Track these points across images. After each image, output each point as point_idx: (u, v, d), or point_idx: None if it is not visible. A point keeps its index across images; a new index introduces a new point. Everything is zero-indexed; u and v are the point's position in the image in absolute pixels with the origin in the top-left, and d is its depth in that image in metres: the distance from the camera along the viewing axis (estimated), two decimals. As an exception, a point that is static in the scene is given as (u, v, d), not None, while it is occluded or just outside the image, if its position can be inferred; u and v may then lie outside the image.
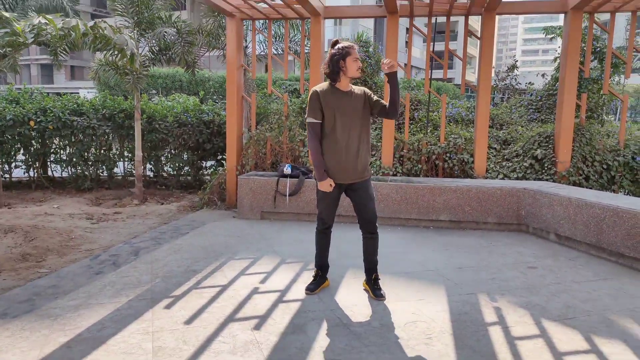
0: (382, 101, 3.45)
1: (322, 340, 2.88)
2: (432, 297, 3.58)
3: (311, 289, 3.64)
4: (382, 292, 3.57)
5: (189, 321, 3.13)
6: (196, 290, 3.67)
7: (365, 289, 3.70)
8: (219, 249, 4.77)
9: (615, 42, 9.00)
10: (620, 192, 6.42)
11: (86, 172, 8.33)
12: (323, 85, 3.42)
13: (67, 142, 8.15)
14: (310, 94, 3.40)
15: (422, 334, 2.98)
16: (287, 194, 5.92)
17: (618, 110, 16.00)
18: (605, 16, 6.63)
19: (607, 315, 3.30)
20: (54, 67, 45.11)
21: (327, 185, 3.38)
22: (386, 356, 2.71)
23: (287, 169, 6.03)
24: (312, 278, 3.74)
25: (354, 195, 3.50)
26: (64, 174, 8.62)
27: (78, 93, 19.64)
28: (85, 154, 8.29)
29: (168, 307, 3.35)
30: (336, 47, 3.32)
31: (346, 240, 5.04)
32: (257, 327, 3.05)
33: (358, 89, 3.48)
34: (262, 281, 3.89)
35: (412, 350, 2.78)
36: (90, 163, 8.37)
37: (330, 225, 3.64)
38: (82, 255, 4.66)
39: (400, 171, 6.76)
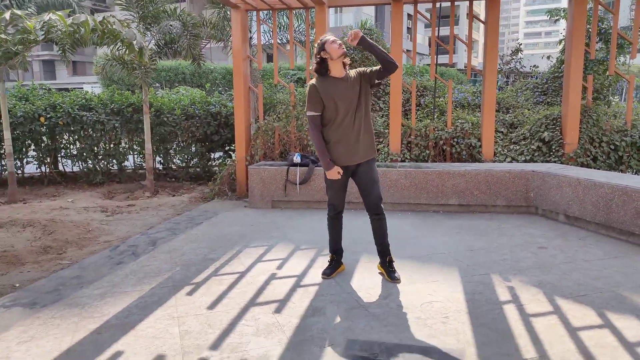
0: (375, 67, 3.50)
1: (342, 321, 2.98)
2: (446, 279, 3.67)
3: (327, 273, 3.73)
4: (396, 274, 3.66)
5: (211, 306, 3.23)
6: (215, 277, 3.77)
7: (380, 272, 3.79)
8: (233, 238, 4.87)
9: (620, 23, 8.96)
10: (629, 171, 6.46)
11: (97, 167, 8.43)
12: (316, 78, 3.49)
13: (77, 137, 8.24)
14: (308, 88, 3.48)
15: (439, 314, 3.07)
16: (298, 183, 6.00)
17: (624, 90, 15.93)
18: (611, -4, 6.61)
19: (619, 292, 3.37)
20: (55, 63, 45.17)
21: (335, 174, 3.47)
22: (405, 334, 2.80)
23: (297, 158, 6.10)
24: (328, 263, 3.84)
25: (358, 177, 3.59)
26: (75, 169, 8.73)
27: (82, 88, 19.73)
28: (95, 148, 8.39)
29: (190, 293, 3.45)
30: (318, 42, 3.44)
31: (357, 226, 5.12)
32: (278, 311, 3.15)
33: (353, 72, 3.53)
34: (279, 267, 3.99)
35: (429, 329, 2.87)
36: (100, 157, 8.46)
37: (341, 210, 3.73)
38: (101, 247, 4.77)
39: (409, 157, 6.82)
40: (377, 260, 3.83)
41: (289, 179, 6.10)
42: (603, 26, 8.21)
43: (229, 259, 4.23)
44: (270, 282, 3.65)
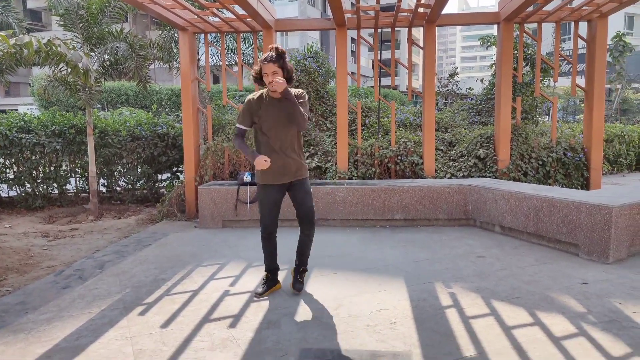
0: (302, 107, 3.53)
1: (295, 333, 3.08)
2: (393, 288, 3.86)
3: (260, 292, 3.73)
4: (300, 286, 3.79)
5: (165, 325, 3.24)
6: (168, 297, 3.77)
7: (291, 275, 3.92)
8: (185, 258, 4.86)
9: (543, 49, 9.78)
10: (556, 185, 7.02)
11: (36, 191, 8.10)
12: (258, 92, 3.59)
13: (14, 160, 7.90)
14: (245, 101, 3.59)
15: (387, 320, 3.25)
16: (249, 202, 6.07)
17: (550, 111, 17.23)
18: (534, 26, 7.26)
19: (547, 294, 3.69)
20: (-14, 84, 42.77)
21: (262, 162, 3.44)
22: (356, 341, 2.95)
23: (247, 177, 6.19)
24: (262, 281, 3.86)
25: (292, 192, 3.66)
26: (12, 193, 8.34)
27: (17, 110, 18.81)
28: (34, 171, 8.07)
29: (142, 313, 3.44)
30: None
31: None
32: (233, 325, 3.21)
33: (293, 92, 3.51)
34: (232, 284, 4.04)
35: (378, 335, 3.03)
36: (39, 181, 8.14)
37: (272, 231, 3.71)
38: (44, 272, 4.62)
39: (356, 175, 7.07)
40: (327, 273, 3.98)
41: (240, 198, 6.16)
42: (529, 52, 8.95)
43: (180, 278, 4.23)
44: (224, 299, 3.70)
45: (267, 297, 3.71)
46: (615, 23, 29.51)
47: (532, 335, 2.99)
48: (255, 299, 3.68)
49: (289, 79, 3.45)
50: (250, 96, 3.59)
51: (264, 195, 3.64)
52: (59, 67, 6.80)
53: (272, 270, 3.85)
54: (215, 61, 11.24)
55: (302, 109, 3.45)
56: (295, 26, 7.89)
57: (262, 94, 3.58)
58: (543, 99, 8.76)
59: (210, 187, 6.27)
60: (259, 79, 3.49)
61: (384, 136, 8.15)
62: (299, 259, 3.84)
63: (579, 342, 2.87)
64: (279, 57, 3.38)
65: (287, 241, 4.47)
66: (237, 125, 3.62)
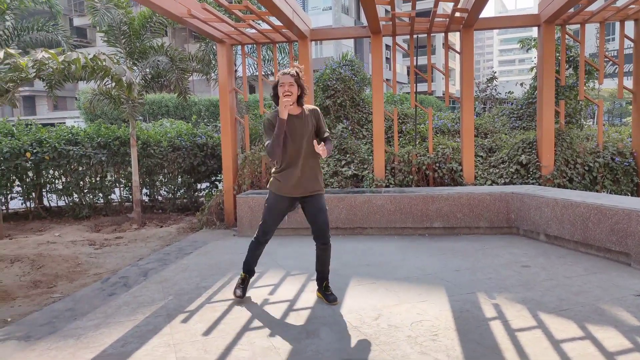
0: (324, 134, 3.66)
1: (335, 343, 3.06)
2: (434, 298, 3.79)
3: (241, 295, 3.87)
4: (332, 297, 3.77)
5: (206, 332, 3.29)
6: (209, 305, 3.82)
7: (319, 297, 3.87)
8: (224, 266, 4.93)
9: (587, 50, 9.44)
10: (603, 191, 6.73)
11: (83, 200, 8.43)
12: (273, 112, 3.63)
13: (62, 171, 8.26)
14: (263, 120, 3.68)
15: (428, 332, 3.18)
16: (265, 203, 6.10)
17: (595, 114, 16.57)
18: (576, 27, 7.03)
19: (598, 305, 3.53)
20: (36, 98, 44.94)
21: (283, 109, 3.45)
22: (397, 352, 2.90)
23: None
24: (240, 282, 3.95)
25: (306, 206, 3.72)
26: (60, 203, 8.71)
27: (64, 123, 19.70)
28: (81, 182, 8.40)
29: (184, 321, 3.50)
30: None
31: (346, 251, 5.24)
32: (273, 334, 3.22)
33: (310, 110, 3.66)
34: (271, 292, 4.07)
35: (420, 346, 2.97)
36: (86, 191, 8.47)
37: (269, 238, 3.83)
38: (91, 280, 4.78)
39: (393, 182, 7.00)
40: (366, 282, 3.94)
41: (277, 206, 6.19)
42: (571, 54, 8.66)
43: (221, 286, 4.28)
44: (264, 307, 3.73)
45: (306, 307, 3.71)
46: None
47: (583, 349, 2.85)
48: (238, 298, 3.86)
49: (301, 96, 3.58)
50: (267, 115, 3.68)
51: (274, 203, 3.72)
52: (104, 81, 7.07)
53: (251, 271, 3.96)
54: (251, 71, 11.43)
55: (331, 146, 3.65)
56: (330, 35, 7.93)
57: (278, 111, 3.60)
58: (587, 102, 8.44)
59: (248, 195, 6.35)
60: (275, 94, 3.57)
61: (422, 143, 8.04)
62: (320, 273, 3.84)
63: (634, 358, 2.73)
64: (297, 74, 3.54)
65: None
66: (265, 141, 3.65)
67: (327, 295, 3.79)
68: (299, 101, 3.58)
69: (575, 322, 3.24)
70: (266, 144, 3.59)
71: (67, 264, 5.36)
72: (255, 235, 3.87)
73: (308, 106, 3.69)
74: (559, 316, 3.36)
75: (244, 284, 3.95)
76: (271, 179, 3.75)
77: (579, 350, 2.84)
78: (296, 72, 3.54)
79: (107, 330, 3.36)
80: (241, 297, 3.86)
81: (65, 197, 8.48)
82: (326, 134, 3.69)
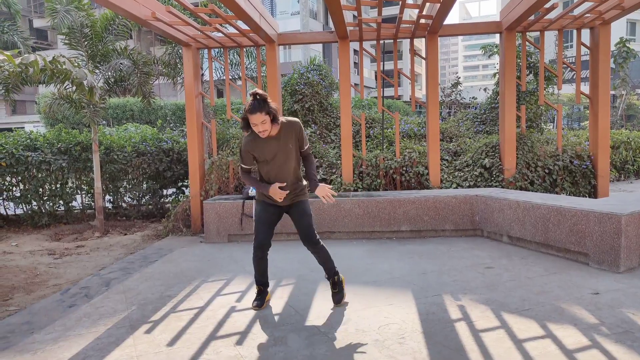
0: (304, 154, 3.66)
1: (303, 349, 3.04)
2: (401, 301, 3.82)
3: (259, 305, 3.77)
4: (339, 296, 3.80)
5: (171, 343, 3.21)
6: (174, 314, 3.74)
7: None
8: (190, 274, 4.84)
9: (547, 57, 9.77)
10: (563, 193, 6.96)
11: (42, 208, 8.12)
12: (250, 135, 3.50)
13: (20, 178, 7.94)
14: (241, 145, 3.58)
15: (396, 335, 3.20)
16: (254, 215, 6.04)
17: (555, 118, 17.16)
18: (536, 34, 7.26)
19: (558, 304, 3.63)
20: (-7, 103, 43.13)
21: (278, 190, 3.49)
22: (364, 356, 2.90)
23: (252, 191, 6.17)
24: (256, 294, 3.85)
25: (291, 212, 3.71)
26: (18, 211, 8.37)
27: (23, 128, 18.97)
28: (41, 189, 8.10)
29: (148, 332, 3.41)
30: (243, 109, 3.40)
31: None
32: (240, 343, 3.17)
33: (289, 126, 3.51)
34: (238, 300, 4.01)
35: (387, 350, 2.98)
36: (45, 198, 8.17)
37: (266, 249, 3.69)
38: (50, 291, 4.61)
39: (361, 187, 7.04)
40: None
41: (245, 212, 6.14)
42: (532, 60, 8.94)
43: (187, 294, 4.20)
44: (231, 315, 3.67)
45: (273, 313, 3.67)
46: (618, 29, 29.55)
47: (544, 348, 2.93)
48: (256, 311, 3.73)
49: (274, 120, 3.38)
50: (246, 137, 3.55)
51: (262, 212, 3.67)
52: (64, 85, 6.86)
53: (264, 283, 3.86)
54: (219, 76, 11.31)
55: (313, 166, 3.69)
56: (297, 40, 7.93)
57: (252, 138, 3.53)
58: (547, 106, 8.72)
59: (215, 201, 6.26)
60: (246, 125, 3.43)
61: (389, 147, 8.13)
62: (325, 271, 3.85)
63: (592, 355, 2.81)
64: (263, 103, 3.27)
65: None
66: (242, 165, 3.63)
67: (334, 294, 3.81)
68: (274, 121, 3.40)
69: (536, 322, 3.33)
70: (241, 169, 3.63)
71: (25, 274, 5.14)
72: (253, 250, 3.70)
73: (287, 120, 3.53)
74: (521, 316, 3.44)
75: (260, 295, 3.83)
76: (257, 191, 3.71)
77: (540, 349, 2.91)
78: (261, 102, 3.26)
79: (67, 344, 3.24)
80: (259, 308, 3.76)
81: (24, 205, 8.15)
82: (306, 148, 3.63)
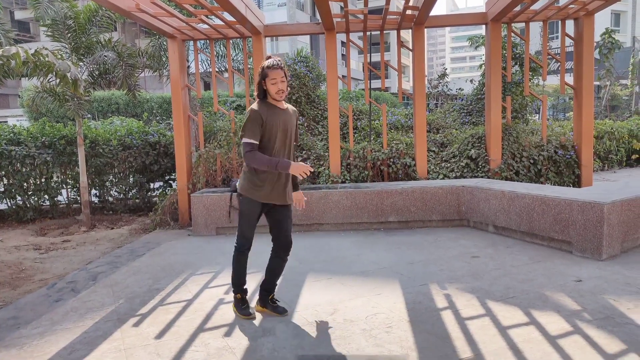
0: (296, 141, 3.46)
1: (291, 339, 3.07)
2: (389, 291, 3.86)
3: (251, 313, 3.45)
4: (281, 308, 3.49)
5: (159, 336, 3.21)
6: (162, 307, 3.73)
7: (261, 312, 3.50)
8: (178, 267, 4.83)
9: (532, 48, 9.84)
10: (547, 183, 7.05)
11: (27, 203, 8.02)
12: (259, 103, 3.22)
13: (4, 173, 7.83)
14: (250, 113, 3.17)
15: (383, 324, 3.24)
16: (238, 212, 6.03)
17: (540, 109, 17.35)
18: (522, 25, 7.31)
19: (542, 292, 3.70)
20: (-26, 97, 42.29)
21: (301, 165, 3.07)
22: (352, 346, 2.93)
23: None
24: (241, 302, 3.49)
25: (275, 213, 3.41)
26: (2, 207, 8.25)
27: (6, 122, 18.65)
28: (25, 184, 7.99)
29: (136, 325, 3.41)
30: (260, 67, 3.20)
31: (302, 247, 5.24)
32: (228, 334, 3.18)
33: (292, 109, 3.41)
34: (227, 292, 4.02)
35: (375, 339, 3.02)
36: (30, 193, 8.06)
37: (250, 246, 3.47)
38: (36, 286, 4.57)
39: (349, 178, 7.07)
40: (322, 277, 3.96)
41: (233, 204, 6.11)
42: (517, 51, 9.01)
43: (175, 287, 4.19)
44: (219, 307, 3.68)
45: (262, 304, 3.69)
46: (602, 20, 29.82)
47: (528, 334, 2.99)
48: (252, 306, 3.60)
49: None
50: (255, 107, 3.19)
51: (249, 209, 3.36)
52: (48, 78, 6.75)
53: (244, 290, 3.54)
54: (205, 68, 11.21)
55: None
56: (284, 31, 7.89)
57: (266, 103, 3.24)
58: (533, 97, 8.80)
59: (203, 194, 6.24)
60: (261, 89, 3.21)
61: (376, 139, 8.16)
62: (269, 284, 3.49)
63: (575, 340, 2.88)
64: (284, 67, 3.19)
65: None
66: (247, 140, 3.13)
67: (277, 307, 3.47)
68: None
69: (520, 309, 3.39)
70: (246, 146, 3.13)
71: (10, 270, 5.09)
72: (235, 245, 3.48)
73: (289, 105, 3.40)
74: (506, 304, 3.50)
75: (244, 303, 3.48)
76: (245, 182, 3.33)
77: (525, 336, 2.97)
78: (284, 65, 3.18)
79: (53, 338, 3.22)
80: (252, 316, 3.42)
81: (8, 200, 8.05)
82: (297, 142, 3.47)
